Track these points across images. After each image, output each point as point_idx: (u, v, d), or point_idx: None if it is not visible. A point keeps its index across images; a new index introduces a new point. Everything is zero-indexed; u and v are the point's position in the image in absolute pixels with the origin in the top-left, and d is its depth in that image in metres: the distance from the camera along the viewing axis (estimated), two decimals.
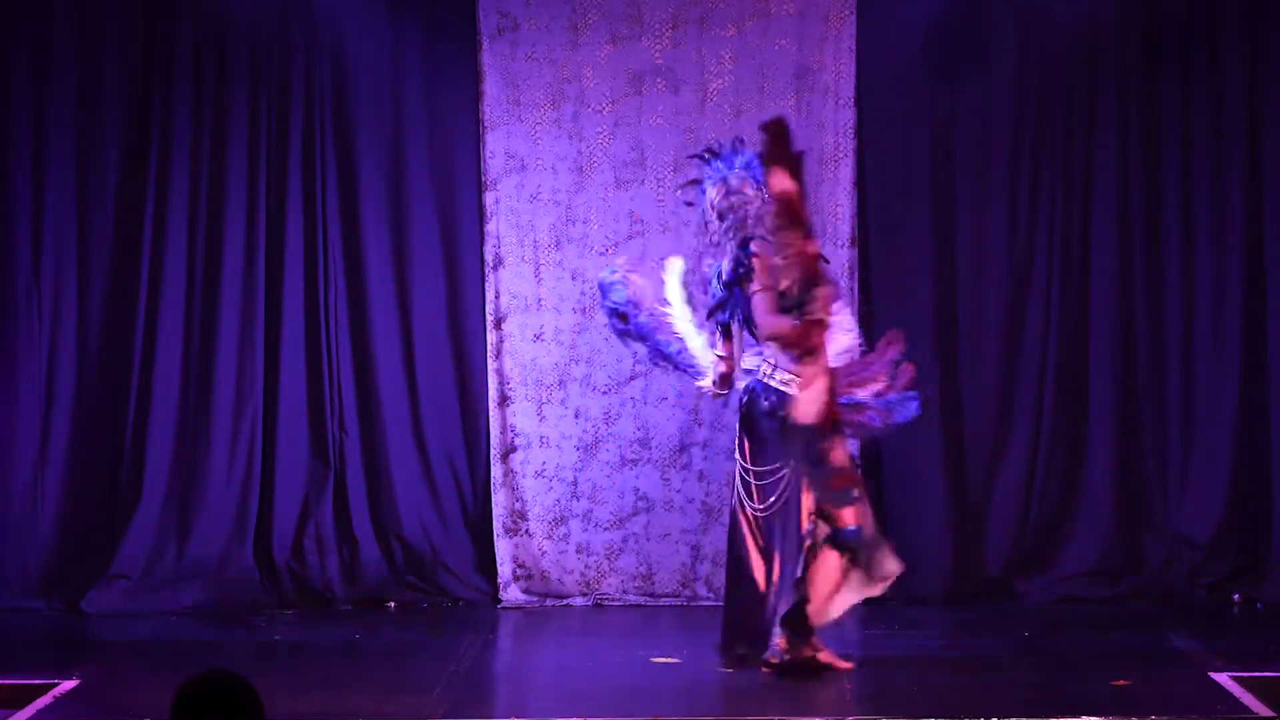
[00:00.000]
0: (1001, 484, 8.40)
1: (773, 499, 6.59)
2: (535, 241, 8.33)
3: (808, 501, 6.57)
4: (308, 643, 7.72)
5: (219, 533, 8.31)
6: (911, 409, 6.81)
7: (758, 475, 6.61)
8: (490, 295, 8.33)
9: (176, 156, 8.31)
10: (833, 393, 6.60)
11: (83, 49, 8.25)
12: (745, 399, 6.66)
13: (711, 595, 8.20)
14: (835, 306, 6.72)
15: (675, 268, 6.96)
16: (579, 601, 8.24)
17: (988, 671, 6.81)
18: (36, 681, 6.55)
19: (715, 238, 6.72)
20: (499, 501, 8.33)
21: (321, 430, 8.40)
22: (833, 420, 6.60)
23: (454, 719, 6.14)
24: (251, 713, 3.53)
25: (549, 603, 8.25)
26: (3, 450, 8.25)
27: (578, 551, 8.28)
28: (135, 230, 8.31)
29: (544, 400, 8.33)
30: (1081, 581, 8.31)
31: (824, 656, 6.70)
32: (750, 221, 6.62)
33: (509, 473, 8.32)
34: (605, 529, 8.28)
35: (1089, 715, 5.92)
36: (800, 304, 6.51)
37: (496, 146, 8.31)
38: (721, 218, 6.67)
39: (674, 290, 6.93)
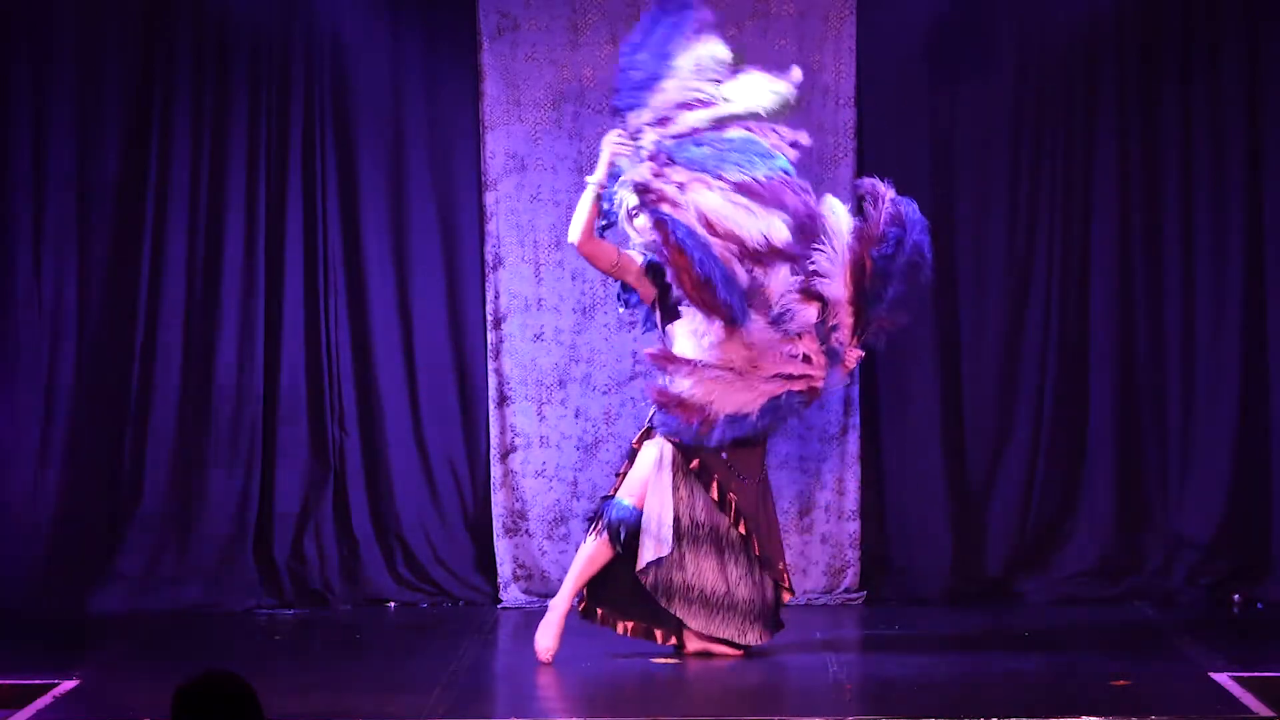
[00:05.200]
0: (1001, 484, 8.40)
1: None
2: (535, 241, 8.33)
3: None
4: (308, 643, 7.72)
5: (219, 533, 8.31)
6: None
7: None
8: (490, 295, 8.33)
9: (176, 156, 8.32)
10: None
11: (83, 49, 8.24)
12: None
13: None
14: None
15: None
16: (579, 601, 8.24)
17: (988, 671, 6.81)
18: (36, 681, 6.55)
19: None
20: (499, 501, 8.34)
21: (321, 430, 8.40)
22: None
23: (454, 719, 6.14)
24: (251, 713, 3.54)
25: (549, 603, 8.24)
26: (3, 450, 8.25)
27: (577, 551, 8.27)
28: (135, 230, 8.31)
29: (544, 400, 8.33)
30: (1081, 581, 8.32)
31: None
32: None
33: (509, 473, 8.32)
34: None
35: (1089, 715, 5.92)
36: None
37: (496, 146, 8.31)
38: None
39: None
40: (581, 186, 8.08)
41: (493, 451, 8.35)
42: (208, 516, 8.32)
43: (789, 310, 6.86)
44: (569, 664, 6.95)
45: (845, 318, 6.92)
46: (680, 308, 6.94)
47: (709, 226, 6.75)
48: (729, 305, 6.74)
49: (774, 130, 7.01)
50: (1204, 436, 8.35)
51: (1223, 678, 6.51)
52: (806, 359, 6.89)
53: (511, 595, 8.31)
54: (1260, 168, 8.31)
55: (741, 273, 6.81)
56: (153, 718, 5.97)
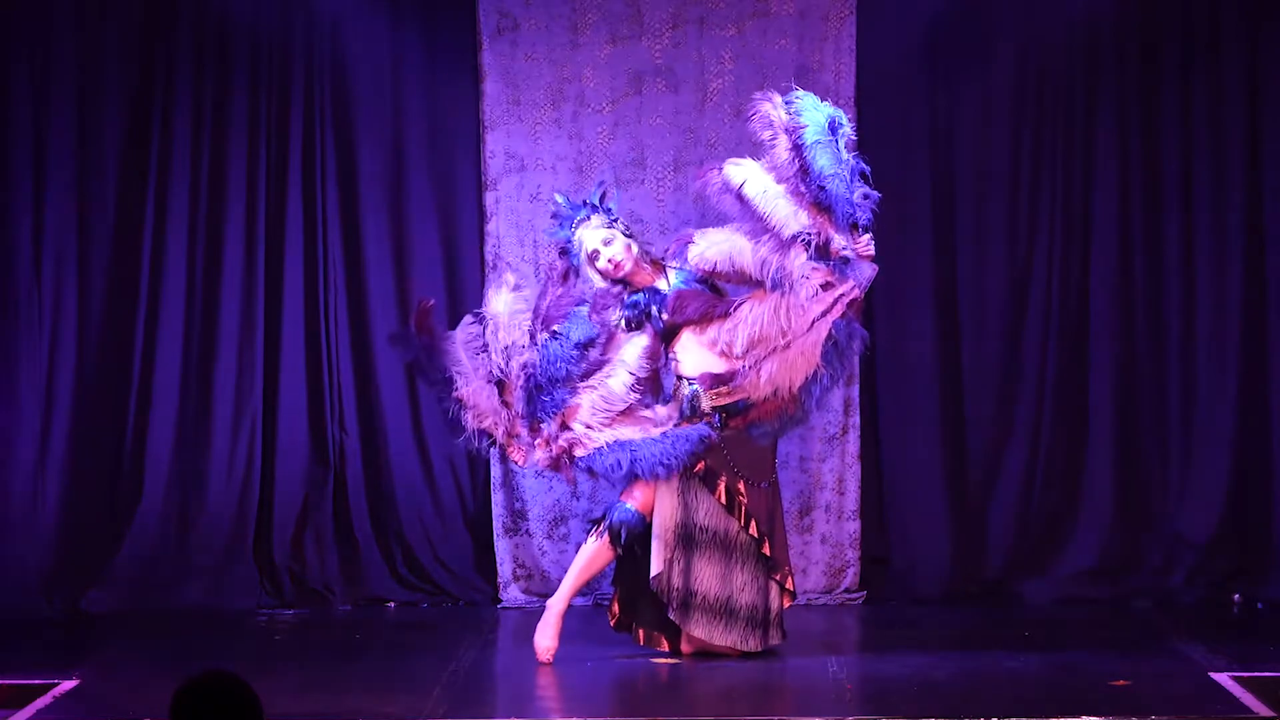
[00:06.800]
0: (1001, 484, 8.40)
1: None
2: (535, 241, 8.33)
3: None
4: (308, 643, 7.72)
5: (219, 533, 8.32)
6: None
7: None
8: None
9: (176, 157, 8.32)
10: None
11: (83, 49, 8.25)
12: None
13: None
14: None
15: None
16: (579, 601, 8.22)
17: (988, 671, 6.81)
18: (36, 681, 6.55)
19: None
20: (499, 501, 8.34)
21: (321, 430, 8.41)
22: None
23: (454, 719, 6.14)
24: (250, 713, 3.54)
25: (547, 603, 8.24)
26: (3, 450, 8.25)
27: (577, 551, 8.27)
28: (135, 230, 8.32)
29: None
30: (1081, 581, 8.31)
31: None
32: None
33: (509, 473, 8.32)
34: None
35: (1089, 715, 5.92)
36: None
37: (496, 146, 8.32)
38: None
39: None
40: (581, 186, 8.12)
41: (493, 451, 8.34)
42: (208, 516, 8.32)
43: (778, 269, 6.81)
44: (569, 664, 6.95)
45: (828, 229, 6.79)
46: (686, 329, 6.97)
47: (611, 422, 6.94)
48: (697, 444, 6.87)
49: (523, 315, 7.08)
50: (1204, 436, 8.35)
51: (1223, 678, 6.51)
52: (827, 286, 6.80)
53: (511, 595, 8.31)
54: (1260, 167, 8.31)
55: (659, 413, 6.98)
56: (153, 718, 5.97)
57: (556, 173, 8.30)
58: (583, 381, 6.95)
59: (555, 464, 6.95)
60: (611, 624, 7.06)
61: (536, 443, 6.92)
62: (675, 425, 6.91)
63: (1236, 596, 8.26)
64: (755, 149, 7.70)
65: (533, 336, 6.96)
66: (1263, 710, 5.99)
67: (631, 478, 6.88)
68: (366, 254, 8.42)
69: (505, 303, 7.04)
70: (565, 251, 7.08)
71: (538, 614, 7.19)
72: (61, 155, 8.27)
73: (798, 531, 8.26)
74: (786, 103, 6.83)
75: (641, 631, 7.03)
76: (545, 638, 6.97)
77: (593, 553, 6.98)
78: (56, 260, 8.28)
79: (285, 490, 8.38)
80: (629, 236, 7.07)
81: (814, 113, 6.80)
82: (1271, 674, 6.56)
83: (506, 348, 6.95)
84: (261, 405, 8.36)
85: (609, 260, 7.00)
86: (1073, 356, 8.40)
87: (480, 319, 7.04)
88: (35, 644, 7.61)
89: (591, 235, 7.02)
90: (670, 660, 6.97)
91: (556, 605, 7.01)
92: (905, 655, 7.08)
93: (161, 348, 8.33)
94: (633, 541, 6.94)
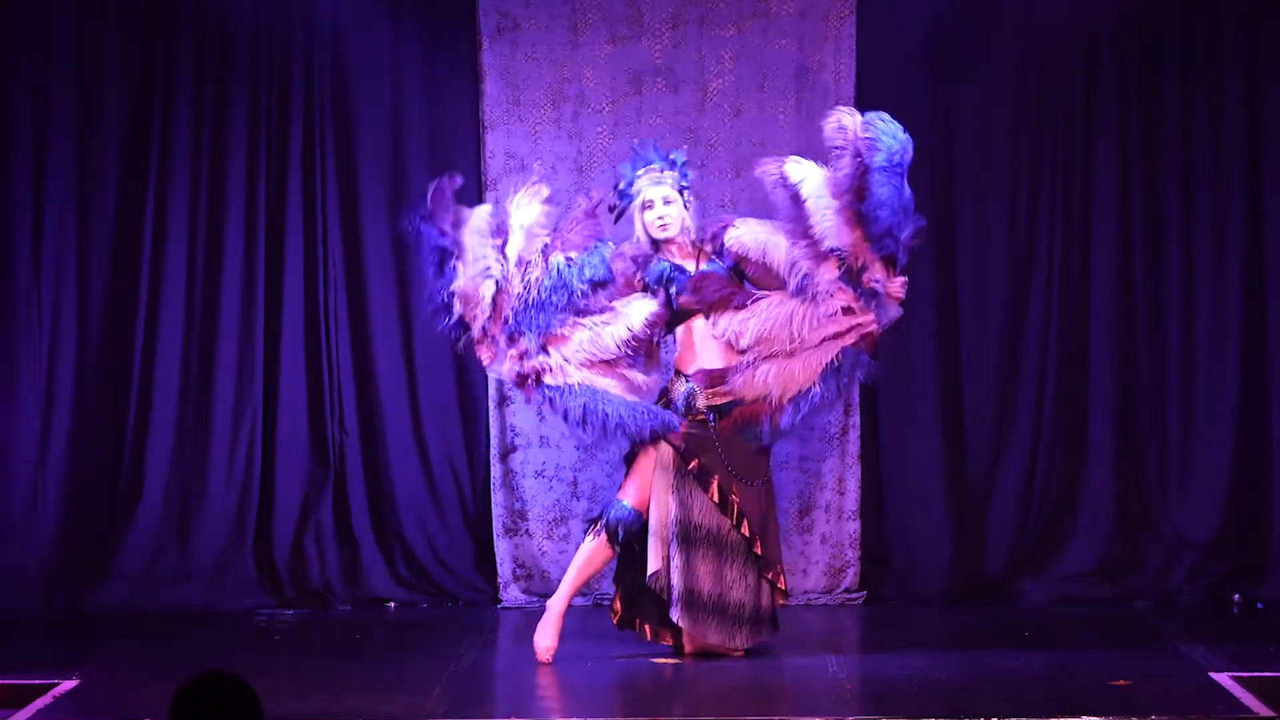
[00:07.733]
0: (1001, 484, 8.40)
1: None
2: None
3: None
4: (308, 643, 7.72)
5: (219, 533, 8.32)
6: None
7: None
8: None
9: (176, 157, 8.32)
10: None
11: (83, 49, 8.25)
12: None
13: None
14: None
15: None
16: (579, 601, 8.22)
17: (988, 671, 6.81)
18: (36, 681, 6.54)
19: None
20: (499, 501, 8.34)
21: (321, 430, 8.41)
22: None
23: (454, 719, 6.14)
24: (251, 713, 3.54)
25: (547, 603, 8.24)
26: (3, 450, 8.25)
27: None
28: (135, 230, 8.32)
29: None
30: (1081, 582, 8.32)
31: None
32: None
33: (509, 473, 8.33)
34: None
35: (1089, 715, 5.92)
36: None
37: (496, 146, 8.32)
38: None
39: None
40: (582, 187, 8.11)
41: (493, 451, 8.35)
42: (208, 516, 8.32)
43: (806, 276, 6.82)
44: (569, 664, 6.95)
45: (867, 256, 6.79)
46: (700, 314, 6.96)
47: (591, 365, 6.87)
48: (660, 425, 6.84)
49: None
50: (1204, 437, 8.35)
51: (1223, 678, 6.50)
52: (848, 310, 6.81)
53: (511, 595, 8.31)
54: (1260, 167, 8.31)
55: (639, 379, 6.91)
56: (152, 718, 5.97)
57: (556, 173, 8.29)
58: (579, 316, 6.91)
59: (521, 380, 6.88)
60: (614, 621, 7.06)
61: (510, 352, 6.88)
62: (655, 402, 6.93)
63: (1236, 596, 8.26)
64: (758, 148, 7.75)
65: (545, 253, 6.92)
66: (1263, 710, 5.99)
67: (583, 426, 6.85)
68: (366, 254, 8.42)
69: (532, 214, 6.95)
70: (621, 192, 7.05)
71: (538, 614, 7.19)
72: (61, 156, 8.26)
73: (798, 531, 8.26)
74: (866, 123, 6.80)
75: (648, 627, 7.02)
76: (545, 638, 6.98)
77: (591, 552, 6.99)
78: (56, 260, 8.28)
79: (285, 490, 8.38)
80: (687, 211, 7.06)
81: (889, 139, 6.78)
82: (1271, 674, 6.56)
83: (518, 258, 6.89)
84: (261, 405, 8.36)
85: (659, 217, 6.99)
86: (1073, 356, 8.40)
87: (500, 216, 6.97)
88: (35, 644, 7.61)
89: (655, 188, 6.99)
90: (671, 660, 6.96)
91: (556, 605, 7.01)
92: (905, 655, 7.08)
93: (161, 348, 8.33)
94: (630, 539, 6.94)
